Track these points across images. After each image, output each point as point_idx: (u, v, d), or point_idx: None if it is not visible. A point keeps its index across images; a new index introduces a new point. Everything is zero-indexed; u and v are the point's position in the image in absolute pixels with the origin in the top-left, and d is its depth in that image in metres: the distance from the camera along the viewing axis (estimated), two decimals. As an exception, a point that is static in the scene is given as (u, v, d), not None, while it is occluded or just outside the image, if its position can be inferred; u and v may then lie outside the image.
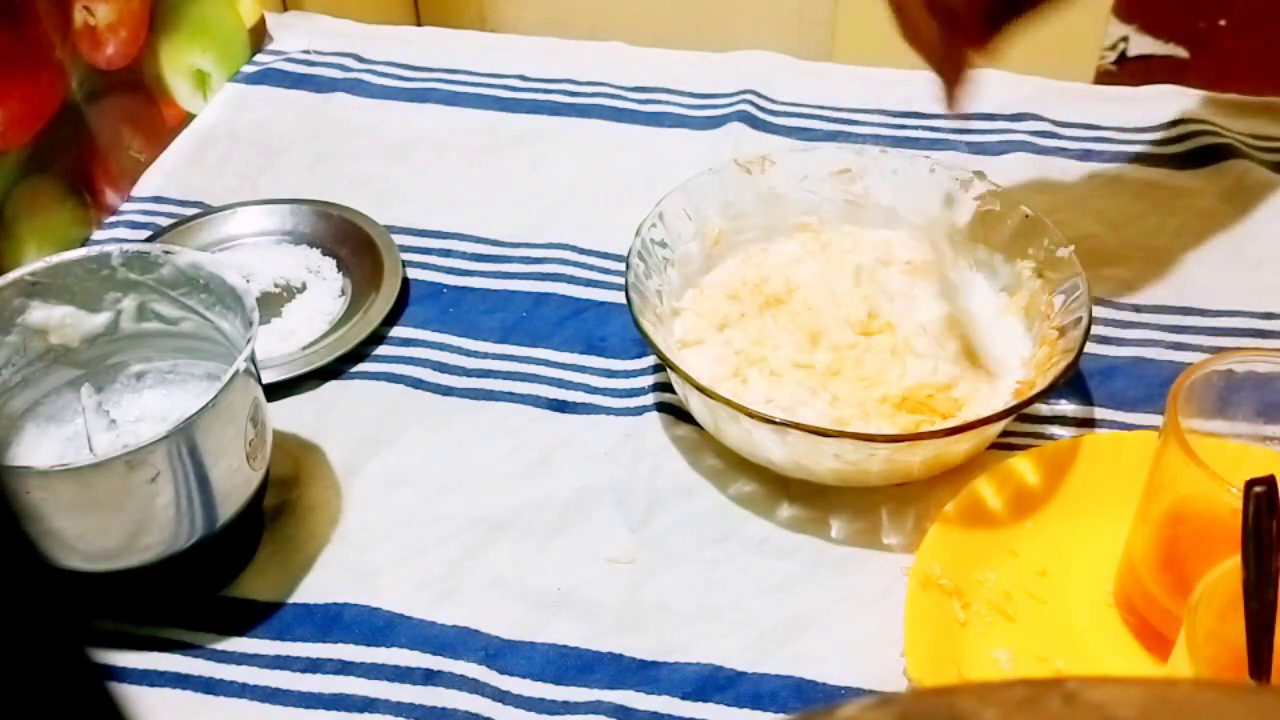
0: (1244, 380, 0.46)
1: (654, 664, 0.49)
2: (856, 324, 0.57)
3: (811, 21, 1.28)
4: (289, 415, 0.59)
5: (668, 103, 0.80)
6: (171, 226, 0.70)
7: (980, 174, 0.63)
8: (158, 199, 0.74)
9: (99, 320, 0.53)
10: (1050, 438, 0.57)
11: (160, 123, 0.77)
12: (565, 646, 0.49)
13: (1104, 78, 1.23)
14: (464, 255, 0.69)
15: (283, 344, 0.62)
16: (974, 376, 0.56)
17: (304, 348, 0.62)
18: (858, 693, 0.48)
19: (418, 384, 0.61)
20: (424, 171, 0.75)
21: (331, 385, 0.61)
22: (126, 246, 0.52)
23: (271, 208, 0.71)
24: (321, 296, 0.66)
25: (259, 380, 0.50)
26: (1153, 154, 0.74)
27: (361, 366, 0.62)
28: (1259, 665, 0.38)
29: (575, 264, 0.68)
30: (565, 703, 0.47)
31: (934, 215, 0.63)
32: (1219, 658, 0.39)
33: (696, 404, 0.55)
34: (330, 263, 0.68)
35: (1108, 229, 0.69)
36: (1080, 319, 0.54)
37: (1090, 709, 0.17)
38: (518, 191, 0.73)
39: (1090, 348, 0.56)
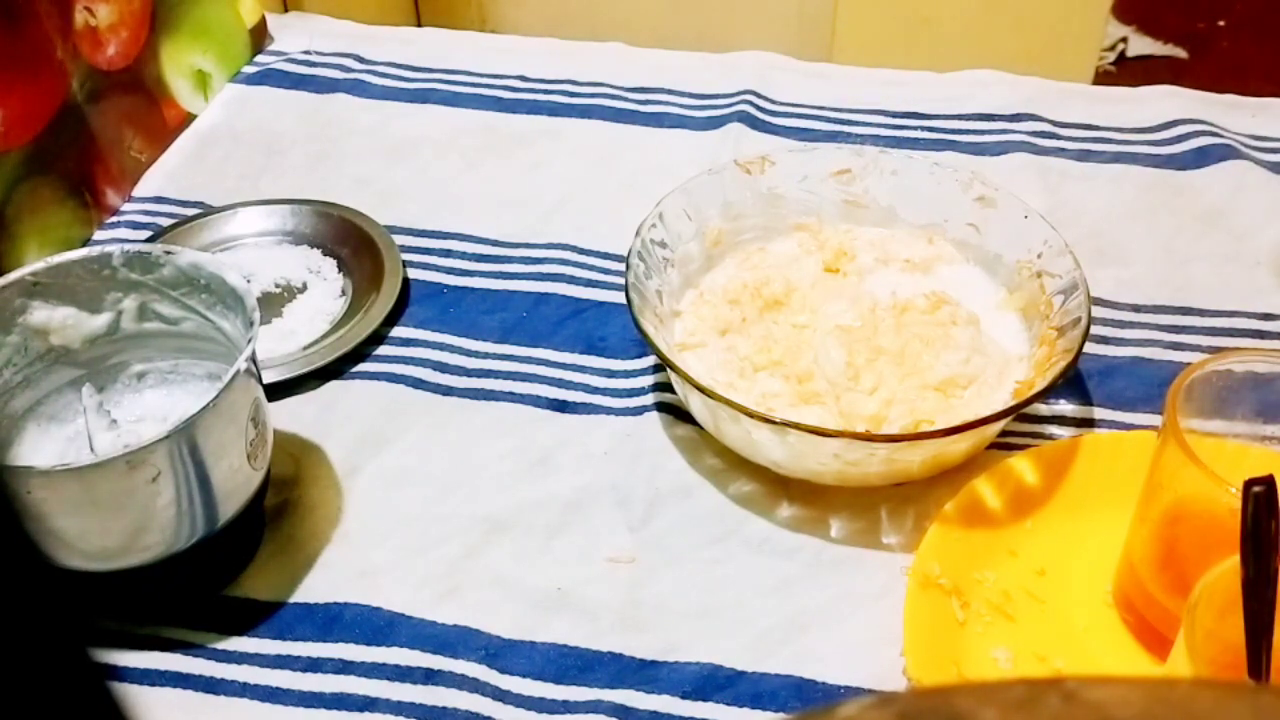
0: (1243, 380, 0.46)
1: (654, 663, 0.49)
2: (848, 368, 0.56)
3: (811, 21, 1.28)
4: (290, 415, 0.59)
5: (668, 103, 0.80)
6: (172, 227, 0.70)
7: (980, 174, 0.63)
8: (159, 199, 0.74)
9: (100, 320, 0.53)
10: (1049, 437, 0.57)
11: (161, 123, 0.77)
12: (565, 646, 0.49)
13: (1103, 78, 1.23)
14: (464, 255, 0.69)
15: (283, 344, 0.62)
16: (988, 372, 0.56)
17: (304, 348, 0.62)
18: (858, 692, 0.48)
19: (418, 384, 0.61)
20: (424, 172, 0.75)
21: (332, 385, 0.61)
22: (127, 247, 0.52)
23: (272, 208, 0.71)
24: (322, 296, 0.66)
25: (260, 380, 0.50)
26: (1152, 154, 0.74)
27: (362, 366, 0.62)
28: (1258, 665, 0.38)
29: (575, 264, 0.68)
30: (565, 702, 0.47)
31: (933, 215, 0.63)
32: (1218, 657, 0.39)
33: (696, 404, 0.55)
34: (331, 263, 0.68)
35: (1108, 229, 0.69)
36: (1079, 319, 0.54)
37: (1089, 708, 0.17)
38: (518, 191, 0.73)
39: (1089, 347, 0.56)
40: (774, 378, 0.56)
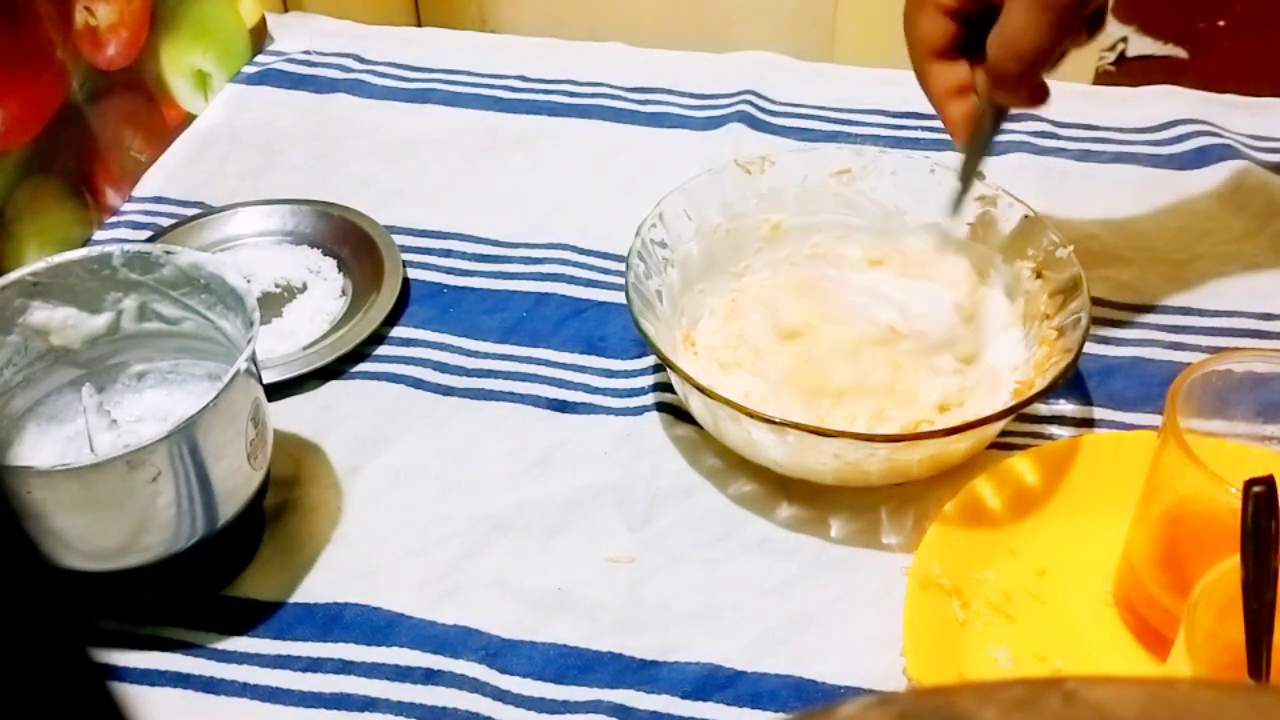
0: (1243, 380, 0.46)
1: (654, 663, 0.49)
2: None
3: (811, 21, 1.28)
4: (290, 415, 0.59)
5: (668, 103, 0.80)
6: (172, 227, 0.70)
7: (980, 174, 0.63)
8: (159, 199, 0.74)
9: (100, 321, 0.53)
10: (1049, 437, 0.57)
11: (161, 123, 0.77)
12: (565, 646, 0.49)
13: (1103, 78, 1.23)
14: (464, 255, 0.69)
15: (283, 344, 0.62)
16: (979, 377, 0.56)
17: (304, 348, 0.62)
18: (858, 692, 0.48)
19: (418, 384, 0.61)
20: (424, 172, 0.75)
21: (332, 385, 0.61)
22: (128, 247, 0.52)
23: (272, 208, 0.71)
24: (322, 296, 0.66)
25: (260, 380, 0.50)
26: (1152, 154, 0.74)
27: (362, 366, 0.62)
28: (1258, 665, 0.38)
29: (575, 264, 0.68)
30: (565, 702, 0.47)
31: (933, 215, 0.63)
32: (1218, 657, 0.39)
33: (696, 404, 0.55)
34: (331, 263, 0.68)
35: (1107, 229, 0.69)
36: (1079, 319, 0.54)
37: (1089, 708, 0.17)
38: (518, 191, 0.73)
39: (1089, 348, 0.56)
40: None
